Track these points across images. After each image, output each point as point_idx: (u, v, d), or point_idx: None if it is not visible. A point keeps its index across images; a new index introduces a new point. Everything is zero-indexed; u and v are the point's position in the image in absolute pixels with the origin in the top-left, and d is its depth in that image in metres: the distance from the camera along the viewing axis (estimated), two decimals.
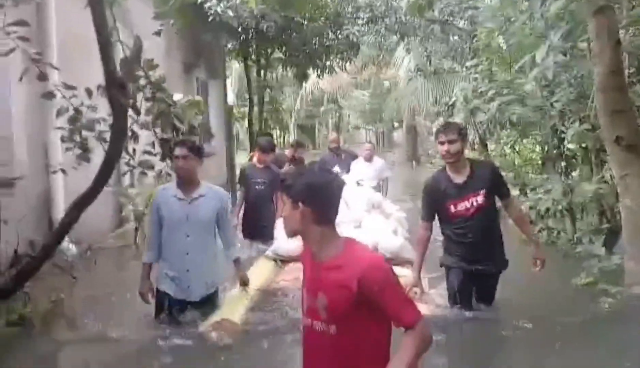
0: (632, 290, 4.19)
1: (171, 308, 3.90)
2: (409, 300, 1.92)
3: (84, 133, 4.42)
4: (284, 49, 13.30)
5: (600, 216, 5.92)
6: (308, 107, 31.15)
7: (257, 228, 6.04)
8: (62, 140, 4.60)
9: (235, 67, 20.51)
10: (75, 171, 4.59)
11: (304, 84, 19.86)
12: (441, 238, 4.04)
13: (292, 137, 31.41)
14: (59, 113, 4.33)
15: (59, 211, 5.43)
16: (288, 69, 15.08)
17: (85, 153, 4.64)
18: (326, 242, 1.95)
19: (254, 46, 13.11)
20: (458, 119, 8.17)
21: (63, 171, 4.82)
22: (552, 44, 4.85)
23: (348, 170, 7.53)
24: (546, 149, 7.06)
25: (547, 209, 6.30)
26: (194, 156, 3.80)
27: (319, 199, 1.94)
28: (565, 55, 5.64)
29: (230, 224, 4.22)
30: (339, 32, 12.43)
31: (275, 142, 9.87)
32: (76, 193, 4.38)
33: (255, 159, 6.56)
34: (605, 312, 3.94)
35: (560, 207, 6.20)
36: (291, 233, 2.01)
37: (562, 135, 6.46)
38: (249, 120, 13.60)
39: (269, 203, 6.11)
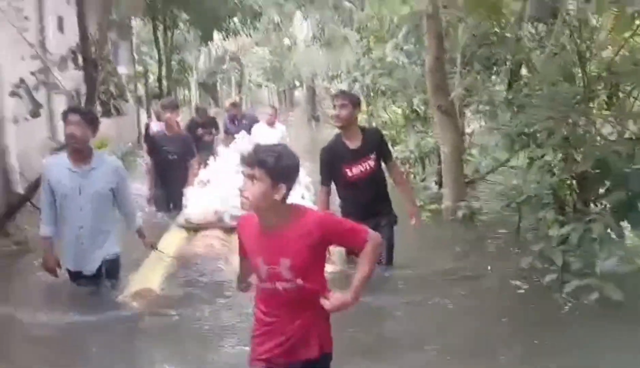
0: (442, 206, 6.28)
1: (77, 279, 3.88)
2: (354, 226, 2.15)
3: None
4: (189, 11, 14.31)
5: (439, 162, 8.04)
6: (210, 65, 31.67)
7: (170, 199, 6.02)
8: (12, 94, 5.74)
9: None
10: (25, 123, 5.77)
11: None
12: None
13: (193, 95, 31.92)
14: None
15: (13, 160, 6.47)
16: (193, 30, 16.06)
17: (37, 108, 5.88)
18: (282, 211, 2.10)
19: (160, 7, 13.97)
20: (342, 86, 10.00)
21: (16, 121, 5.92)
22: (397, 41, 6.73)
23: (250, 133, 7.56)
24: (407, 112, 9.07)
25: (405, 157, 8.34)
26: (87, 125, 3.63)
27: (293, 179, 2.11)
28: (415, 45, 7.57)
29: (129, 195, 4.05)
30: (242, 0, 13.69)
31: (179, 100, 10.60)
32: (26, 145, 5.54)
33: (158, 127, 6.56)
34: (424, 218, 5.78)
35: (414, 156, 8.26)
36: (255, 208, 2.11)
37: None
38: (158, 79, 14.55)
39: (180, 172, 5.88)
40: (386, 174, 4.29)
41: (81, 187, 3.66)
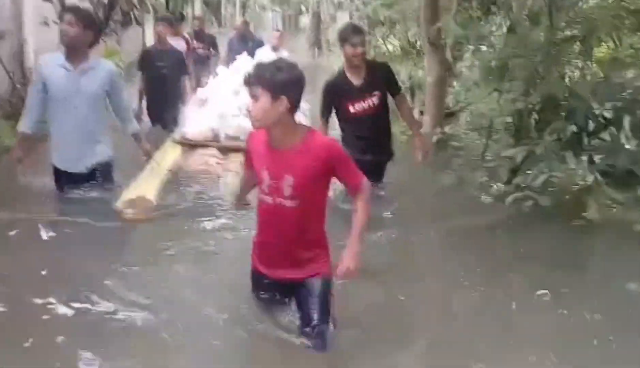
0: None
1: (64, 181, 3.94)
2: (355, 168, 2.26)
3: None
4: None
5: None
6: None
7: (164, 113, 5.85)
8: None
9: None
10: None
11: None
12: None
13: (196, 11, 31.65)
14: None
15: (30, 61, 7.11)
16: None
17: None
18: (292, 130, 2.17)
19: None
20: (345, 14, 10.43)
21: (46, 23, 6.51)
22: None
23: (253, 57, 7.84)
24: (403, 44, 9.61)
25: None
26: (81, 25, 3.64)
27: (297, 91, 2.14)
28: None
29: (124, 98, 4.07)
30: None
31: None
32: (44, 49, 5.97)
33: (153, 41, 6.46)
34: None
35: (407, 86, 8.88)
36: (264, 125, 2.17)
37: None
38: None
39: (175, 86, 5.87)
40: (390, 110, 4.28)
41: (77, 86, 3.70)
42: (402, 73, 8.84)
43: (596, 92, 4.86)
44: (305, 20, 36.90)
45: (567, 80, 5.14)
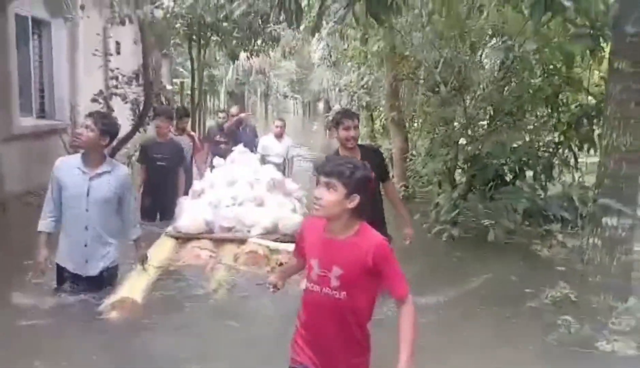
0: None
1: (69, 282, 3.88)
2: (403, 276, 2.21)
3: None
4: (219, 33, 17.06)
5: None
6: (238, 76, 34.53)
7: (160, 207, 5.83)
8: (93, 100, 8.43)
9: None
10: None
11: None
12: None
13: (222, 103, 34.77)
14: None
15: None
16: (222, 49, 18.83)
17: (110, 111, 8.56)
18: (350, 224, 2.21)
19: (195, 29, 16.76)
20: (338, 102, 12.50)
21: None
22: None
23: (252, 146, 7.63)
24: (383, 123, 11.60)
25: None
26: (97, 130, 3.69)
27: (366, 192, 2.20)
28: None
29: (132, 204, 4.08)
30: (265, 27, 16.36)
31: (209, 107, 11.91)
32: None
33: (153, 133, 6.41)
34: None
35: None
36: (327, 215, 2.20)
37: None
38: (191, 90, 17.31)
39: (172, 179, 5.84)
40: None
41: (90, 188, 3.73)
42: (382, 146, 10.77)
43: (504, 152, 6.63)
44: (321, 106, 40.03)
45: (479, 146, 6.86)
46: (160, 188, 5.75)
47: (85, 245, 3.81)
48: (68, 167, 3.80)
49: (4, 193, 7.11)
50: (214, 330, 3.83)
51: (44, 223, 3.81)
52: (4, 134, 7.27)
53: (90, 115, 3.83)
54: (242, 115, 8.72)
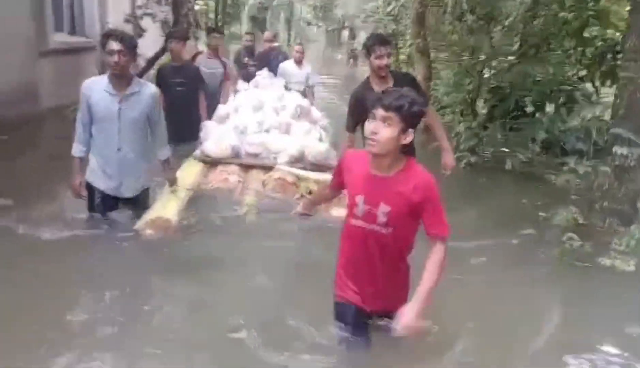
0: None
1: (103, 204, 3.89)
2: (444, 215, 2.19)
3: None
4: None
5: None
6: (261, 1, 33.80)
7: (182, 131, 5.59)
8: (126, 21, 8.56)
9: None
10: None
11: None
12: None
13: (244, 27, 34.29)
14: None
15: None
16: None
17: (141, 32, 8.71)
18: (398, 159, 2.16)
19: None
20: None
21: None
22: None
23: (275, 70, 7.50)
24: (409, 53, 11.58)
25: None
26: (128, 52, 3.66)
27: (417, 126, 2.16)
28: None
29: (162, 123, 4.05)
30: None
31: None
32: None
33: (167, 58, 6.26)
34: None
35: None
36: (384, 151, 2.13)
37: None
38: (215, 13, 17.20)
39: (193, 102, 5.72)
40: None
41: (120, 110, 3.72)
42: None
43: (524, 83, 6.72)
44: (346, 34, 39.23)
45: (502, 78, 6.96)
46: (181, 113, 5.52)
47: (119, 166, 3.81)
48: (98, 90, 3.74)
49: (41, 107, 7.47)
50: (249, 248, 3.87)
51: (78, 148, 3.81)
52: (40, 48, 7.52)
53: (118, 38, 3.65)
54: (276, 44, 8.47)
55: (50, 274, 3.33)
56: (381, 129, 2.11)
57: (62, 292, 3.21)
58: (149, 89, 3.88)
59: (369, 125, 2.15)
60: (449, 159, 4.02)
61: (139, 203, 3.98)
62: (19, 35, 7.10)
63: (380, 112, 2.11)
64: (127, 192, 3.89)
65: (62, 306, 3.01)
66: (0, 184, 4.49)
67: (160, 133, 4.02)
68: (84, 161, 3.83)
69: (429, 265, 2.16)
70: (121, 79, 3.72)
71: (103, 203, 3.88)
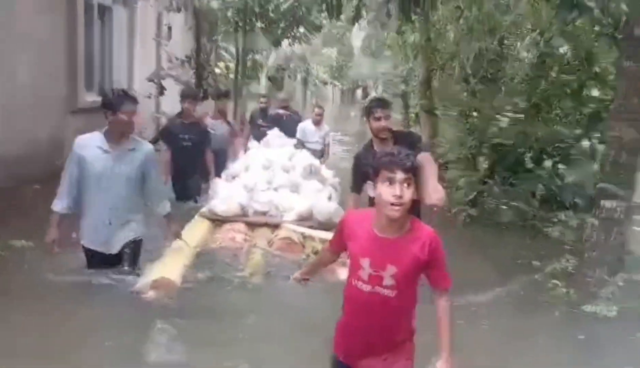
0: None
1: (96, 261, 3.85)
2: (447, 268, 2.20)
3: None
4: (265, 21, 17.75)
5: None
6: (279, 62, 35.16)
7: (188, 188, 5.82)
8: (149, 80, 9.21)
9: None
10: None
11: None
12: None
13: (262, 88, 35.51)
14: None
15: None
16: (266, 36, 19.53)
17: (163, 90, 9.35)
18: (405, 220, 2.13)
19: (242, 16, 17.49)
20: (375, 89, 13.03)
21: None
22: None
23: (292, 133, 7.63)
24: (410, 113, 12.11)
25: None
26: (135, 112, 3.73)
27: None
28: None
29: (159, 179, 4.04)
30: (307, 16, 16.96)
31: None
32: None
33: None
34: None
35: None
36: (404, 214, 2.09)
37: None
38: (235, 75, 18.08)
39: (198, 161, 5.82)
40: None
41: (113, 168, 3.69)
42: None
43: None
44: (359, 92, 40.34)
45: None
46: (187, 169, 5.70)
47: (110, 224, 3.78)
48: (91, 146, 3.73)
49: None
50: (254, 315, 3.78)
51: (59, 204, 3.77)
52: (70, 107, 8.11)
53: (130, 99, 3.76)
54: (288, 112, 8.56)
55: (45, 317, 3.46)
56: (405, 192, 2.07)
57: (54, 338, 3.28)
58: (145, 146, 3.91)
59: (389, 190, 2.07)
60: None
61: (128, 256, 3.90)
62: (54, 96, 7.68)
63: (400, 175, 2.07)
64: (115, 248, 3.86)
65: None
66: (27, 228, 4.73)
67: (158, 189, 4.03)
68: (64, 217, 3.80)
69: (442, 315, 2.19)
70: (119, 135, 3.74)
71: (97, 262, 3.88)
